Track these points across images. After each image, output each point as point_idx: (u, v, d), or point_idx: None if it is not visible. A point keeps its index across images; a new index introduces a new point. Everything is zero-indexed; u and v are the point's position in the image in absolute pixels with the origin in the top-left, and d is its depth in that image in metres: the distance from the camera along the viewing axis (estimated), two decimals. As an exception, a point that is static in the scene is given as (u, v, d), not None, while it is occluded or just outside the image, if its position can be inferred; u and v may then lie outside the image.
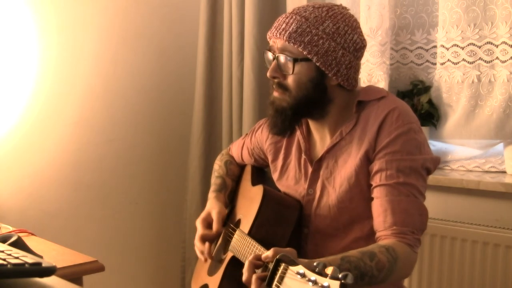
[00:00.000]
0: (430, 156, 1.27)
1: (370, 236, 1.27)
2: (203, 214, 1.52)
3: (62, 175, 2.20)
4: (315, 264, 0.85)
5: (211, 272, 1.48)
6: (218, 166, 1.68)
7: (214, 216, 1.48)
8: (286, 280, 0.89)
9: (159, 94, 2.49)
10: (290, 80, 1.29)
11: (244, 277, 1.04)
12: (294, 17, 1.28)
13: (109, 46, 2.31)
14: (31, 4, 2.07)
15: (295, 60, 1.27)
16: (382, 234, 1.22)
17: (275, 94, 1.33)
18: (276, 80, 1.31)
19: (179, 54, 2.54)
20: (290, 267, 0.89)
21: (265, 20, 2.26)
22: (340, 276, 0.80)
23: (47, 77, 2.13)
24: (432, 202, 1.88)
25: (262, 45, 2.25)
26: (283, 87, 1.30)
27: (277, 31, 1.29)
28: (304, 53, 1.26)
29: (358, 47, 1.31)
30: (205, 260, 1.45)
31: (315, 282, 0.82)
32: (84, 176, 2.27)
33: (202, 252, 1.45)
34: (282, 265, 0.92)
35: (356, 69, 1.33)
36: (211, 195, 1.58)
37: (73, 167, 2.23)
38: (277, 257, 0.94)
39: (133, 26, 2.38)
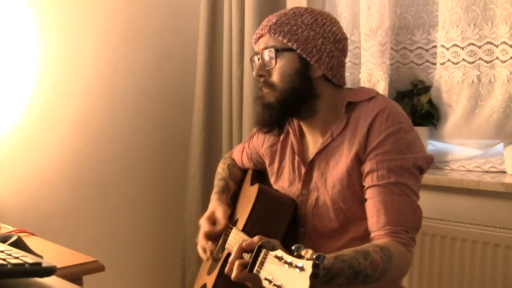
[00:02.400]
0: (421, 154, 1.27)
1: (366, 236, 1.27)
2: (207, 213, 1.53)
3: (62, 175, 2.20)
4: (293, 248, 0.88)
5: (210, 271, 1.49)
6: (221, 169, 1.69)
7: (220, 214, 1.49)
8: (266, 264, 0.93)
9: (159, 94, 2.49)
10: (275, 75, 1.31)
11: (230, 260, 1.08)
12: (274, 15, 1.35)
13: (109, 46, 2.31)
14: (31, 4, 2.07)
15: (276, 51, 1.30)
16: (376, 235, 1.22)
17: (263, 91, 1.35)
18: (262, 79, 1.34)
19: (179, 54, 2.54)
20: (270, 252, 0.93)
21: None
22: (314, 257, 0.83)
23: (47, 77, 2.13)
24: (432, 202, 1.89)
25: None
26: (269, 84, 1.33)
27: (260, 30, 1.35)
28: (285, 41, 1.30)
29: (338, 38, 1.33)
30: (207, 259, 1.45)
31: (290, 264, 0.86)
32: (84, 176, 2.27)
33: (204, 250, 1.45)
34: (263, 251, 0.95)
35: (339, 62, 1.34)
36: (214, 196, 1.59)
37: (73, 167, 2.23)
38: (259, 243, 0.98)
39: (133, 26, 2.38)
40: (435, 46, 1.98)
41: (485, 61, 1.84)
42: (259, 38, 1.36)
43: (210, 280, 1.43)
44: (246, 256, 1.07)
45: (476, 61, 1.86)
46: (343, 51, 1.36)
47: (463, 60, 1.88)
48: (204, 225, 1.49)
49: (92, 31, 2.25)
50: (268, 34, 1.32)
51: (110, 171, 2.35)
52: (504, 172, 1.88)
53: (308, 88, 1.32)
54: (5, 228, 1.66)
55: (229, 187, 1.62)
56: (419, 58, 2.04)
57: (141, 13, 2.40)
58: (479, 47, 1.84)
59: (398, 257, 1.16)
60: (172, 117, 2.55)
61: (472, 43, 1.85)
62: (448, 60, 1.90)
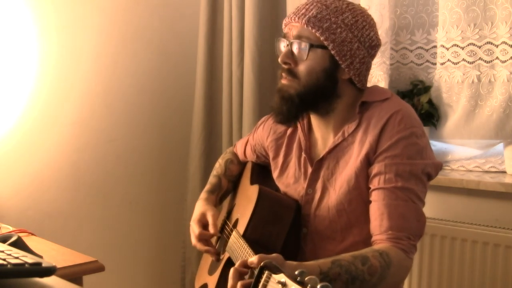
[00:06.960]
0: (431, 161, 1.25)
1: (369, 240, 1.25)
2: (197, 216, 1.50)
3: (62, 175, 2.20)
4: (296, 273, 0.84)
5: (211, 271, 1.48)
6: (218, 164, 1.67)
7: (210, 219, 1.46)
8: None
9: (159, 94, 2.49)
10: (302, 67, 1.28)
11: (229, 285, 1.03)
12: (315, 4, 1.29)
13: (109, 46, 2.31)
14: (31, 4, 2.07)
15: (311, 46, 1.26)
16: (377, 238, 1.21)
17: (283, 81, 1.31)
18: (286, 67, 1.30)
19: (179, 54, 2.54)
20: (273, 275, 0.89)
21: (265, 20, 2.26)
22: (318, 286, 0.80)
23: (47, 77, 2.13)
24: (432, 202, 1.89)
25: (262, 45, 2.25)
26: (292, 74, 1.29)
27: (296, 16, 1.29)
28: (321, 38, 1.25)
29: (373, 44, 1.31)
30: (216, 259, 1.44)
31: None
32: (84, 176, 2.27)
33: (207, 251, 1.44)
34: (266, 273, 0.91)
35: (367, 67, 1.32)
36: (203, 195, 1.57)
37: (72, 167, 2.23)
38: (261, 264, 0.93)
39: (133, 26, 2.38)
40: (435, 46, 1.98)
41: (485, 61, 1.84)
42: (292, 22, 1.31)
43: (212, 281, 1.42)
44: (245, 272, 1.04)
45: (476, 61, 1.86)
46: (374, 57, 1.34)
47: (463, 60, 1.87)
48: (194, 228, 1.47)
49: (92, 31, 2.25)
50: (305, 25, 1.26)
51: (110, 171, 2.35)
52: (504, 172, 1.88)
53: (332, 87, 1.29)
54: (5, 228, 1.66)
55: (221, 186, 1.60)
56: (419, 58, 2.04)
57: (141, 13, 2.40)
58: (479, 47, 1.84)
59: (397, 263, 1.15)
60: (172, 117, 2.55)
61: (472, 43, 1.85)
62: (448, 60, 1.90)
